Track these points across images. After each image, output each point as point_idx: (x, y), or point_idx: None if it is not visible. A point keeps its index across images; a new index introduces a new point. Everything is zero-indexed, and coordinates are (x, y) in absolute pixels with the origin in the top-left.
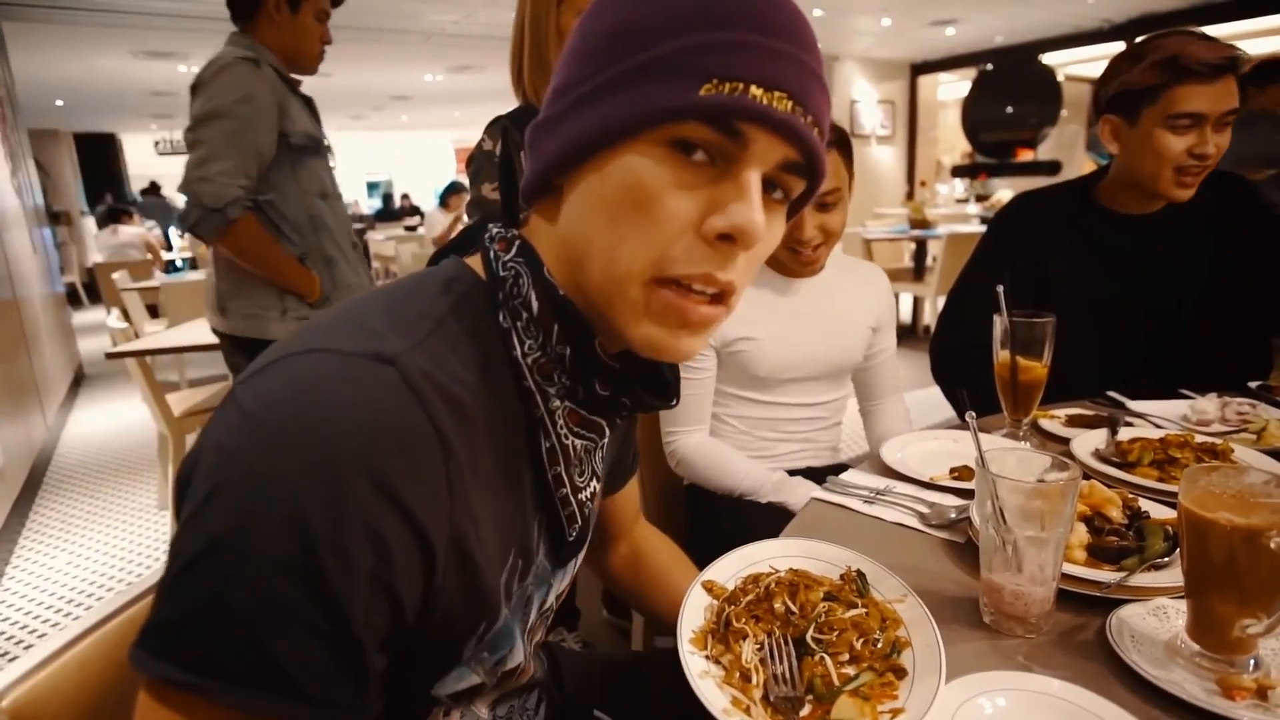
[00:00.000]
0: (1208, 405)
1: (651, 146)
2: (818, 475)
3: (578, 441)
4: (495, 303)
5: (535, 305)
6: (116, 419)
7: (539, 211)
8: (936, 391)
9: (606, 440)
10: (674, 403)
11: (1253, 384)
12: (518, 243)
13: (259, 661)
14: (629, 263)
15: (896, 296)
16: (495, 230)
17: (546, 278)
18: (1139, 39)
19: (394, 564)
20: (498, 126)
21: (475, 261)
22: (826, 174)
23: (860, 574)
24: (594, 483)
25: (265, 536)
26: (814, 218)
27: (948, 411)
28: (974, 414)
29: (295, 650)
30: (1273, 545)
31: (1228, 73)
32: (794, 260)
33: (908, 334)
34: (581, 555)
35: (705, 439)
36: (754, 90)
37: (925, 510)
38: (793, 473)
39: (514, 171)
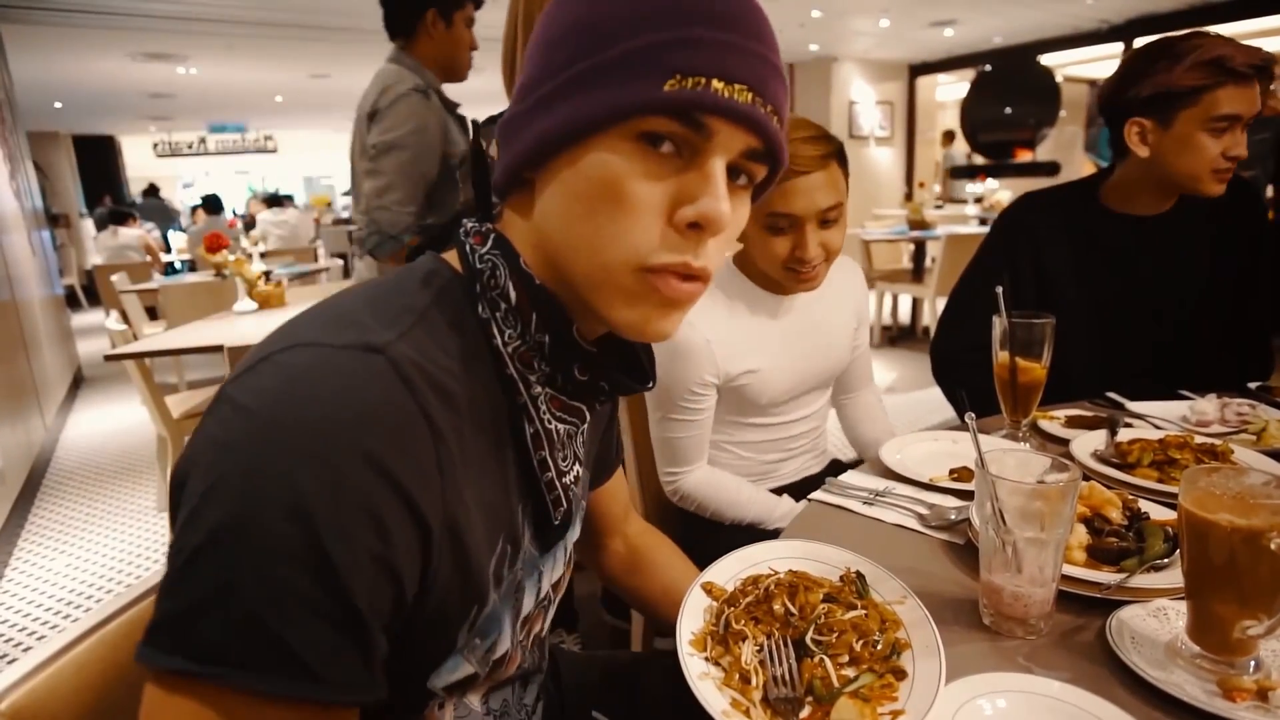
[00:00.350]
0: (1207, 406)
1: (620, 141)
2: (816, 481)
3: (560, 426)
4: (474, 295)
5: (513, 295)
6: (115, 421)
7: (511, 205)
8: (936, 392)
9: (587, 424)
10: (650, 385)
11: (1252, 385)
12: (492, 236)
13: (270, 646)
14: (613, 253)
15: (895, 298)
16: (469, 225)
17: (523, 268)
18: (1146, 40)
19: (394, 544)
20: (475, 126)
21: (451, 256)
22: (831, 185)
23: (860, 575)
24: (577, 466)
25: (267, 525)
26: (816, 235)
27: (948, 412)
28: (974, 415)
29: (305, 633)
30: (1273, 546)
31: (1259, 74)
32: (794, 279)
33: (907, 334)
34: (570, 540)
35: (706, 473)
36: (715, 84)
37: (925, 512)
38: (795, 486)
39: (485, 165)
